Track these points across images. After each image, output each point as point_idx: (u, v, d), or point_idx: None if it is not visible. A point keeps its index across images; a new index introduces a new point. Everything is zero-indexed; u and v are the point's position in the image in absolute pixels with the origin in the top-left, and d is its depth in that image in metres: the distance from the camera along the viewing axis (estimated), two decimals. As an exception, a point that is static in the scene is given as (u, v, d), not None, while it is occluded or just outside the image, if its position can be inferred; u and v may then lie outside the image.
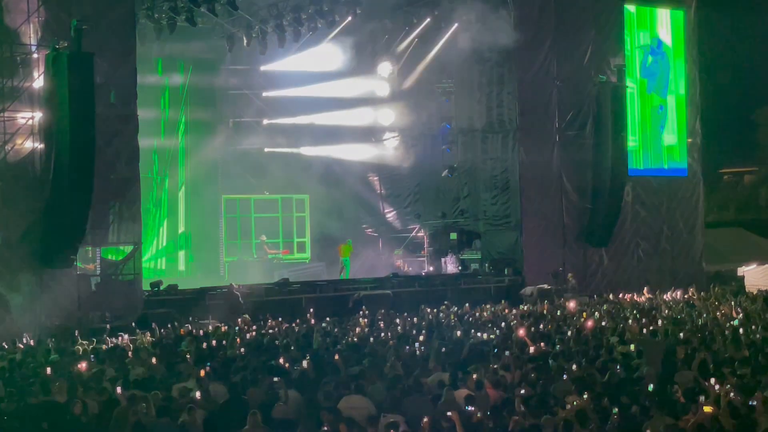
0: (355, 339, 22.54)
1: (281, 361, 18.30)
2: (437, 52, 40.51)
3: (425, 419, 12.45)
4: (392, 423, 12.52)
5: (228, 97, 41.70)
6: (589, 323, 23.23)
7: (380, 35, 41.36)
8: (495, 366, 17.17)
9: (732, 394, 13.49)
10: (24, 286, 27.52)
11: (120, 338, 24.75)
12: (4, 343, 23.83)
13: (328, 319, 28.12)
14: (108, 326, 27.18)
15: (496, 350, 19.38)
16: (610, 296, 34.02)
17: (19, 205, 27.76)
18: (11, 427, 13.74)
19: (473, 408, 13.42)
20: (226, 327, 26.60)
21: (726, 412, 12.81)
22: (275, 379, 16.27)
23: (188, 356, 19.76)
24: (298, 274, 38.19)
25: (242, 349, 20.70)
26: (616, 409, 13.08)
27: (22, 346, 23.14)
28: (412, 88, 42.16)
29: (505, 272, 36.91)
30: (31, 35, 28.09)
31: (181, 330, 26.26)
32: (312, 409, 14.36)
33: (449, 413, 12.91)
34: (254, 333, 24.65)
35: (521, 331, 21.44)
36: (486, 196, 39.62)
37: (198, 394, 15.21)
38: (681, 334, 21.09)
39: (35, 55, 28.12)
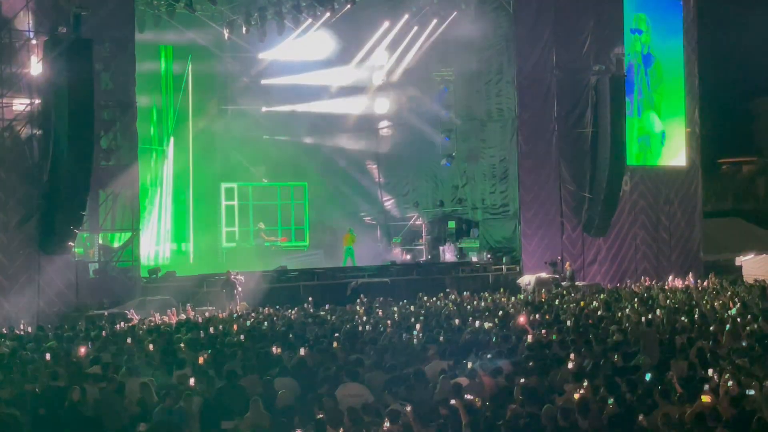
0: (349, 326, 22.54)
1: (278, 349, 18.30)
2: (436, 41, 40.45)
3: (408, 408, 12.44)
4: (392, 411, 12.52)
5: (227, 85, 41.62)
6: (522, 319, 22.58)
7: (379, 23, 41.25)
8: (493, 354, 17.19)
9: (730, 383, 13.50)
10: (22, 273, 27.52)
11: (118, 325, 24.75)
12: (3, 329, 23.85)
13: (327, 306, 28.19)
14: (106, 313, 27.20)
15: (494, 339, 19.40)
16: (608, 285, 34.03)
17: (17, 191, 27.77)
18: (9, 414, 13.73)
19: (471, 396, 13.43)
20: (224, 314, 26.62)
21: (724, 402, 12.83)
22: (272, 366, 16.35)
23: (185, 343, 19.76)
24: (296, 262, 38.20)
25: (240, 337, 20.71)
26: (611, 399, 13.07)
27: (20, 333, 23.15)
28: (411, 76, 42.08)
29: (503, 261, 36.96)
30: (30, 21, 28.07)
31: (179, 317, 26.31)
32: (308, 397, 14.37)
33: (452, 402, 12.92)
34: (252, 320, 24.67)
35: (521, 319, 21.45)
36: (484, 185, 39.68)
37: (193, 381, 15.23)
38: (678, 324, 21.12)
39: (34, 42, 28.11)
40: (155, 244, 38.58)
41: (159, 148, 39.62)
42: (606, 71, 36.60)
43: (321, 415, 12.73)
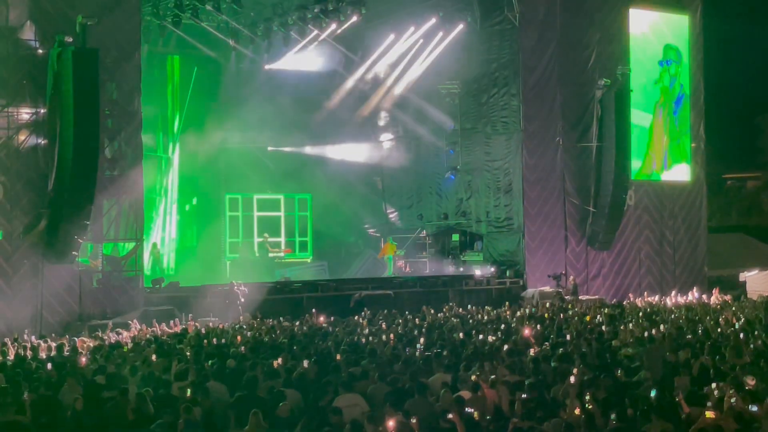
0: (353, 338, 22.51)
1: (281, 360, 18.27)
2: (442, 53, 40.47)
3: (413, 419, 12.38)
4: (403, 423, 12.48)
5: (232, 95, 41.63)
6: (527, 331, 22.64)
7: (385, 35, 41.33)
8: (495, 368, 17.14)
9: (734, 400, 13.45)
10: (25, 281, 27.53)
11: (121, 335, 24.74)
12: (5, 339, 23.84)
13: (332, 318, 28.14)
14: (109, 322, 27.18)
15: (497, 352, 19.36)
16: (612, 300, 33.98)
17: (22, 199, 27.82)
18: (15, 422, 13.72)
19: (472, 410, 13.39)
20: (227, 325, 26.59)
21: (728, 418, 12.79)
22: (275, 378, 16.31)
23: (188, 354, 19.74)
24: (299, 274, 38.18)
25: (242, 348, 20.67)
26: (614, 415, 13.02)
27: (23, 342, 23.14)
28: (416, 88, 42.09)
29: (507, 274, 36.91)
30: (36, 31, 28.12)
31: (182, 327, 26.29)
32: (312, 409, 14.34)
33: (450, 415, 12.88)
34: (255, 332, 24.63)
35: (526, 331, 21.43)
36: (489, 198, 39.64)
37: (195, 392, 15.19)
38: (682, 339, 21.07)
39: (40, 51, 28.14)
40: (159, 254, 38.56)
41: (164, 158, 39.67)
42: (611, 85, 36.60)
43: (327, 429, 12.70)
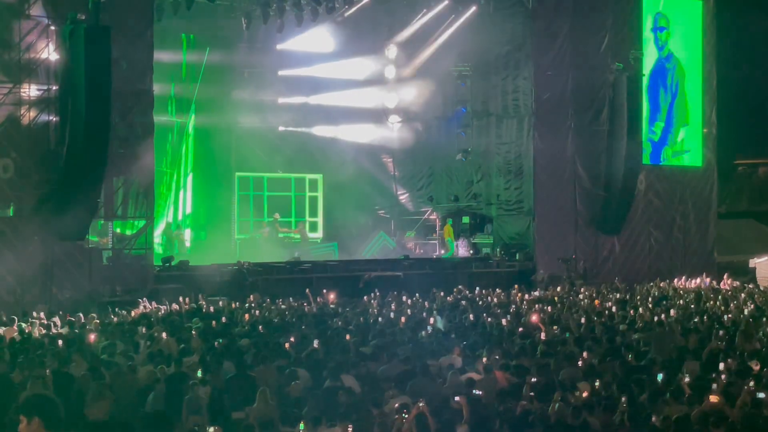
0: (362, 320, 22.55)
1: (291, 339, 18.32)
2: (454, 35, 40.33)
3: (421, 403, 12.42)
4: (404, 405, 12.51)
5: (243, 75, 41.54)
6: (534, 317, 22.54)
7: (397, 16, 41.21)
8: (504, 350, 17.18)
9: (750, 385, 13.46)
10: (36, 258, 27.59)
11: (130, 313, 24.80)
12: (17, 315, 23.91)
13: (338, 298, 28.20)
14: (118, 300, 27.26)
15: (506, 335, 19.39)
16: (621, 284, 33.97)
17: (33, 177, 27.82)
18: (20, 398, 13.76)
19: (480, 392, 13.42)
20: (236, 304, 26.65)
21: (732, 403, 12.81)
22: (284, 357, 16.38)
23: (197, 332, 19.80)
24: (309, 254, 38.18)
25: (256, 327, 20.73)
26: (623, 398, 13.04)
27: (33, 319, 23.22)
28: (428, 70, 41.95)
29: (517, 257, 36.90)
30: (48, 8, 28.08)
31: (191, 306, 26.34)
32: (319, 388, 14.40)
33: (457, 398, 12.91)
34: (264, 311, 24.69)
35: (534, 317, 21.44)
36: (499, 180, 39.61)
37: (200, 372, 15.25)
38: (692, 324, 21.08)
39: (52, 28, 28.12)
40: (169, 232, 38.59)
41: (175, 138, 39.63)
42: (623, 69, 36.47)
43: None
